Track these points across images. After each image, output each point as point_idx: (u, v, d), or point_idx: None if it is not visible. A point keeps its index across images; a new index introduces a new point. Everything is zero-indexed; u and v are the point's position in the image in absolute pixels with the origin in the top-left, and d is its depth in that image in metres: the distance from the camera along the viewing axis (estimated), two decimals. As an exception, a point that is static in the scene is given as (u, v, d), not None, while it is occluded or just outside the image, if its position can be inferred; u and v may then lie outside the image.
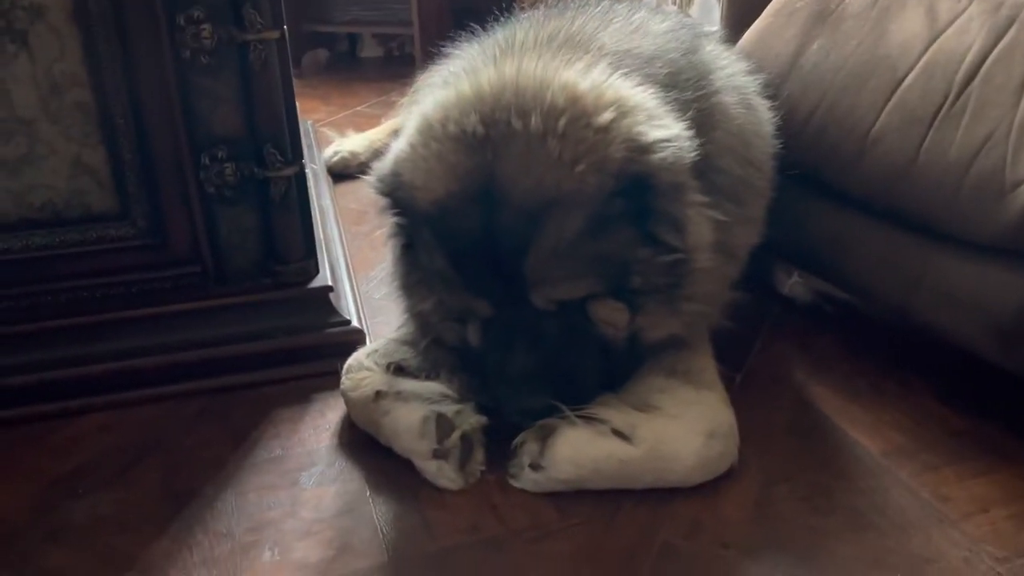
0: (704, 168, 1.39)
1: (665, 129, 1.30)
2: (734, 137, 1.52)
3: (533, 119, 1.27)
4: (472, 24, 1.72)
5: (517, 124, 1.28)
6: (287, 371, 1.74)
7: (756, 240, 1.65)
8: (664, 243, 1.34)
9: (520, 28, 1.55)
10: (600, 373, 1.43)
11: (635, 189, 1.29)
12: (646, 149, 1.27)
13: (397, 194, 1.39)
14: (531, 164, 1.27)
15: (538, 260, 1.29)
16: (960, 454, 1.48)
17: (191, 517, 1.39)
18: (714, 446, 1.40)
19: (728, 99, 1.54)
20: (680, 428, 1.40)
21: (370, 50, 4.75)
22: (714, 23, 2.55)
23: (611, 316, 1.38)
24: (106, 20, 1.50)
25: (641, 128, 1.29)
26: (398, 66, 4.34)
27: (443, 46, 1.73)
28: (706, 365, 1.52)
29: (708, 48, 1.63)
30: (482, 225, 1.29)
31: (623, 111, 1.30)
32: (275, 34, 1.58)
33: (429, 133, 1.35)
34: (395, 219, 1.47)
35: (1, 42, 1.49)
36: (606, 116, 1.28)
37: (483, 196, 1.29)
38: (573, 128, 1.27)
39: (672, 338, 1.44)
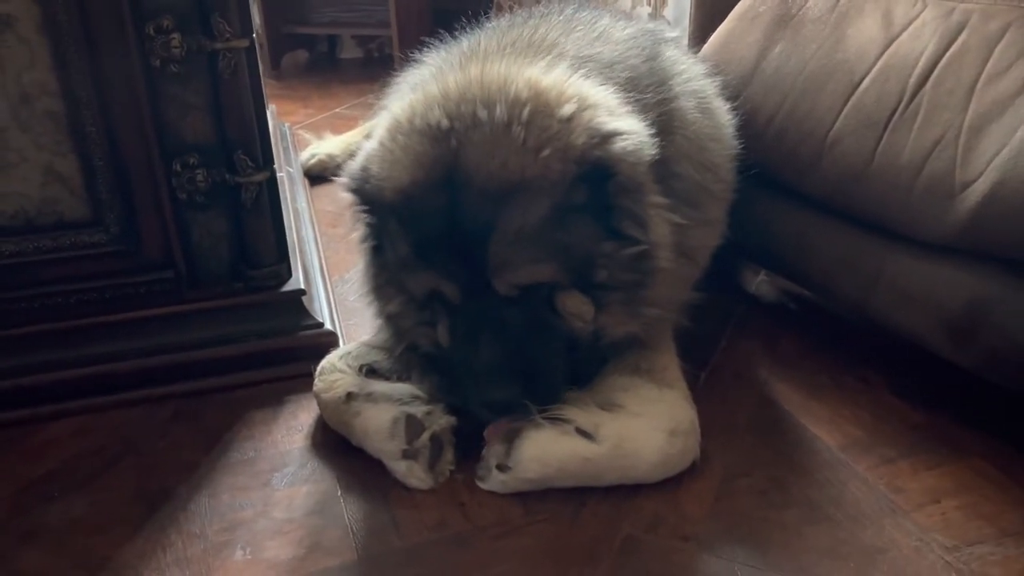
0: (663, 173, 1.43)
1: (626, 123, 1.35)
2: (691, 142, 1.55)
3: (498, 109, 1.32)
4: (445, 28, 1.75)
5: (482, 114, 1.32)
6: (260, 374, 1.76)
7: (717, 242, 1.68)
8: (628, 237, 1.37)
9: (484, 36, 1.58)
10: (565, 369, 1.45)
11: (597, 178, 1.33)
12: (607, 138, 1.32)
13: (365, 188, 1.42)
14: (496, 149, 1.31)
15: (502, 243, 1.32)
16: (915, 447, 1.53)
17: (164, 518, 1.42)
18: (676, 443, 1.43)
19: (686, 104, 1.57)
20: (643, 426, 1.43)
21: (349, 51, 4.77)
22: (687, 25, 2.59)
23: (578, 308, 1.40)
24: (75, 30, 1.52)
25: (602, 119, 1.34)
26: (377, 67, 4.37)
27: (417, 50, 1.76)
28: (669, 364, 1.56)
29: (668, 54, 1.67)
30: (446, 210, 1.33)
31: (584, 105, 1.34)
32: (244, 43, 1.60)
33: (397, 129, 1.40)
34: (365, 219, 1.50)
35: (-30, 53, 1.51)
36: (568, 108, 1.33)
37: (447, 182, 1.33)
38: (537, 117, 1.32)
39: (633, 336, 1.48)
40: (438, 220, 1.33)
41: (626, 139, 1.32)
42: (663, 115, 1.48)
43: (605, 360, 1.51)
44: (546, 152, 1.30)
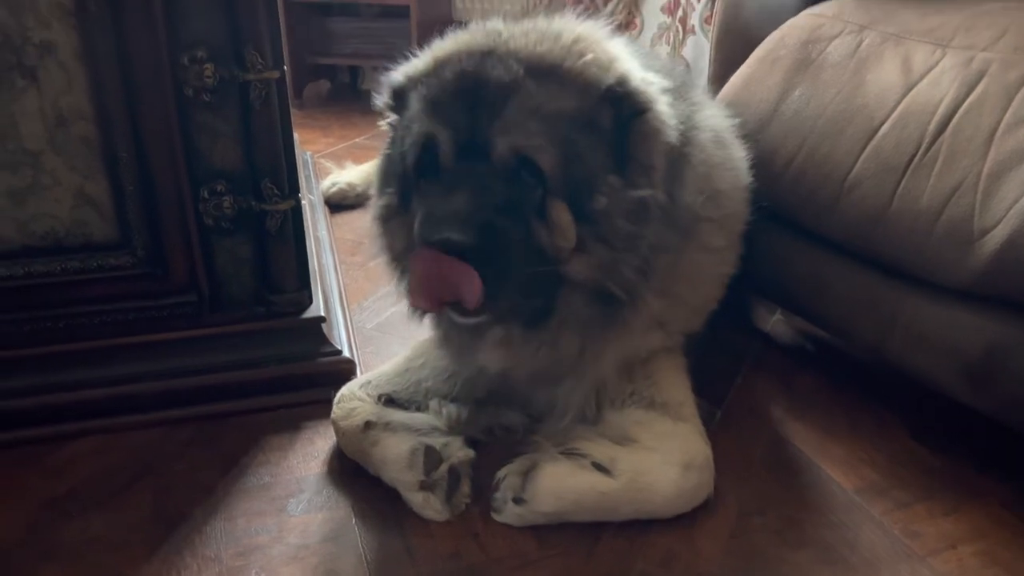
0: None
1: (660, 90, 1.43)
2: (695, 170, 1.52)
3: (554, 24, 1.44)
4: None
5: (538, 23, 1.44)
6: (278, 399, 1.78)
7: (728, 270, 1.68)
8: (636, 184, 1.37)
9: None
10: (525, 269, 1.34)
11: (625, 116, 1.37)
12: (645, 82, 1.41)
13: (405, 75, 1.47)
14: (543, 41, 1.39)
15: (520, 108, 1.33)
16: (931, 491, 1.53)
17: (180, 540, 1.43)
18: (690, 478, 1.44)
19: (703, 136, 1.59)
20: (657, 460, 1.44)
21: (371, 83, 4.83)
22: (705, 66, 2.63)
23: (563, 221, 1.34)
24: (112, 57, 1.56)
25: (643, 74, 1.43)
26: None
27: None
28: (685, 399, 1.57)
29: (692, 91, 1.69)
30: (475, 72, 1.36)
31: (628, 64, 1.44)
32: (275, 74, 1.63)
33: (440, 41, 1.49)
34: (391, 121, 1.53)
35: (11, 77, 1.54)
36: (615, 51, 1.44)
37: (487, 53, 1.38)
38: (586, 41, 1.41)
39: (595, 284, 1.40)
40: (464, 78, 1.36)
41: (659, 95, 1.41)
42: (683, 135, 1.49)
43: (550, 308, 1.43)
44: (588, 57, 1.37)
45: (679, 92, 1.57)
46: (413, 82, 1.44)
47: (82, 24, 1.53)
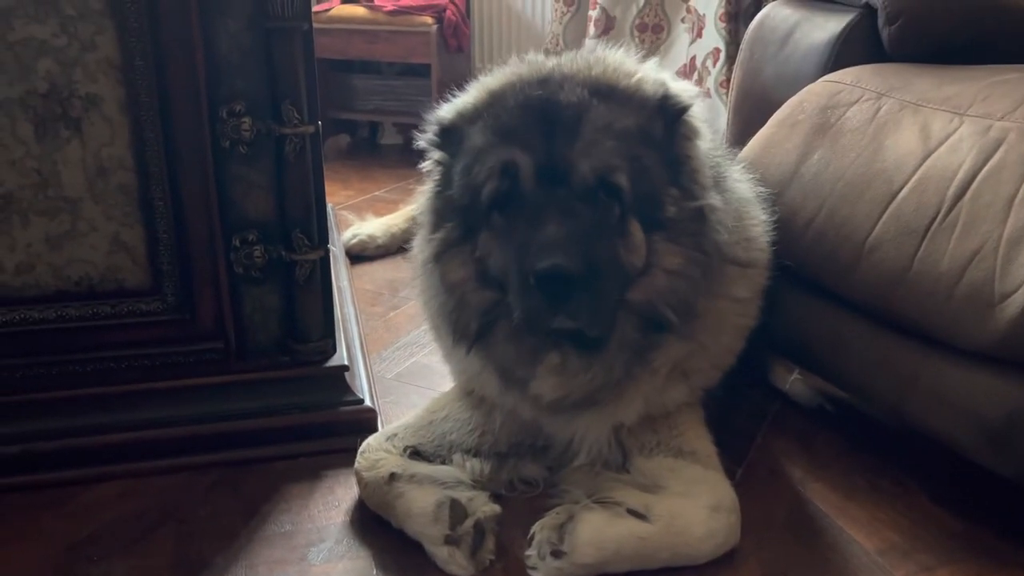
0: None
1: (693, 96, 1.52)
2: (733, 206, 1.60)
3: (599, 50, 1.54)
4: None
5: (585, 53, 1.54)
6: (299, 447, 1.79)
7: (749, 322, 1.70)
8: (689, 191, 1.45)
9: None
10: (615, 292, 1.40)
11: (672, 118, 1.46)
12: (683, 88, 1.50)
13: (455, 111, 1.51)
14: (595, 65, 1.49)
15: (592, 127, 1.39)
16: (954, 555, 1.52)
17: (201, 588, 1.43)
18: (719, 518, 1.46)
19: (733, 183, 1.65)
20: (688, 503, 1.46)
21: (390, 138, 4.92)
22: (720, 129, 2.69)
23: (638, 237, 1.41)
24: (154, 110, 1.61)
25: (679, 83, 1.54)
26: (417, 155, 4.48)
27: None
28: (711, 451, 1.61)
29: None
30: (540, 100, 1.42)
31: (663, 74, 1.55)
32: (310, 128, 1.69)
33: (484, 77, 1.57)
34: (438, 158, 1.56)
35: (56, 128, 1.60)
36: (653, 70, 1.54)
37: (545, 81, 1.46)
38: (629, 64, 1.52)
39: (653, 309, 1.45)
40: (534, 103, 1.41)
41: (695, 102, 1.50)
42: (717, 168, 1.57)
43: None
44: (638, 76, 1.48)
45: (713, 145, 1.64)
46: (468, 118, 1.49)
47: (128, 78, 1.59)
